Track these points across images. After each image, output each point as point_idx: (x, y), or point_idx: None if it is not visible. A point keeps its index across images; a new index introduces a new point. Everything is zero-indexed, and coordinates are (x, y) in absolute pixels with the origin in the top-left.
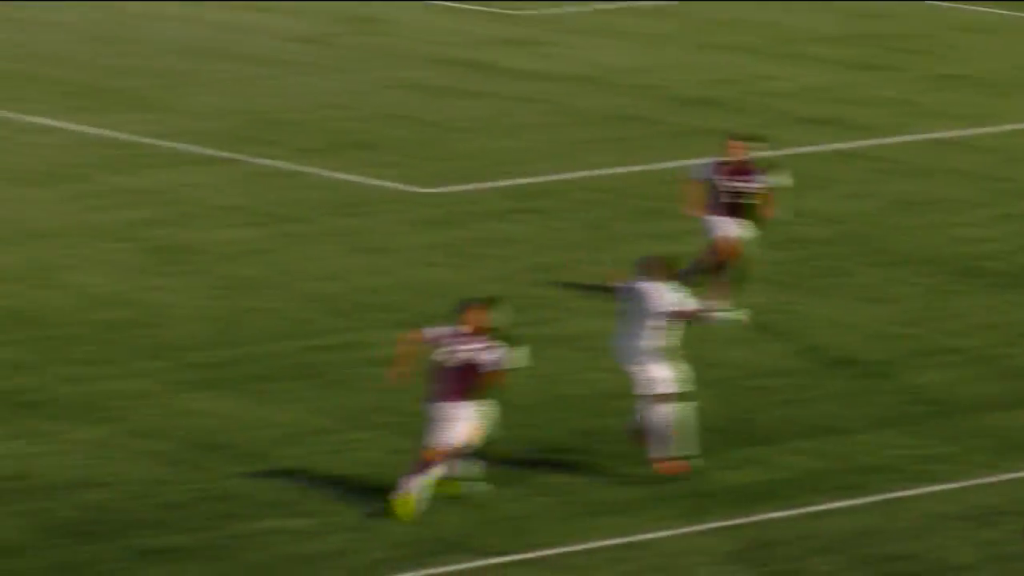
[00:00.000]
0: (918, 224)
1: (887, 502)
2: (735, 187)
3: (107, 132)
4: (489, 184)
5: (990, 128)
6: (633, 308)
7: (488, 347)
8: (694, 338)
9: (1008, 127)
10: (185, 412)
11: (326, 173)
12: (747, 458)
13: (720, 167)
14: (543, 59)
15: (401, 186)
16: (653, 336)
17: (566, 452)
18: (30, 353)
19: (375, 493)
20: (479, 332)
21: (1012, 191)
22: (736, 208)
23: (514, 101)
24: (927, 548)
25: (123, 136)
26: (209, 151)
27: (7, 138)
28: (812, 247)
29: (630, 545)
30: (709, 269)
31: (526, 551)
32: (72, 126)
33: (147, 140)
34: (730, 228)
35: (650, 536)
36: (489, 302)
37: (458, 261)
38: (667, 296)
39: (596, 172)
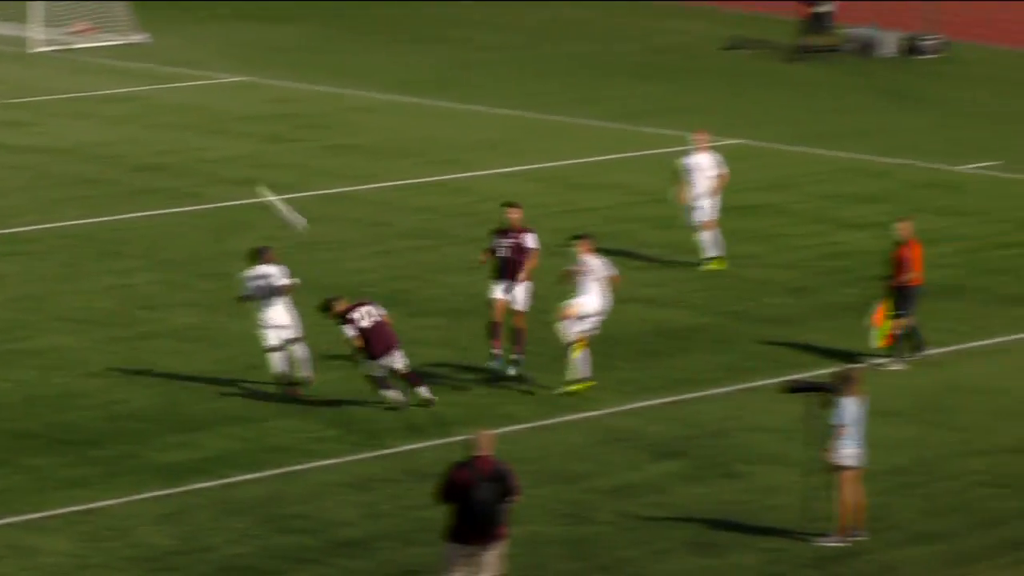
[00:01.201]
0: (317, 259)
1: (287, 474)
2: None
3: None
4: None
5: (372, 185)
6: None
7: None
8: (133, 348)
9: (385, 184)
10: None
11: None
12: (179, 442)
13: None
14: (30, 136)
15: None
16: None
17: (34, 439)
18: None
19: None
20: None
21: (388, 233)
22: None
23: (5, 169)
24: (317, 509)
25: None
26: None
27: None
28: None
29: (87, 512)
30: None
31: (3, 518)
32: None
33: None
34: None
35: (102, 504)
36: None
37: None
38: None
39: (68, 223)
